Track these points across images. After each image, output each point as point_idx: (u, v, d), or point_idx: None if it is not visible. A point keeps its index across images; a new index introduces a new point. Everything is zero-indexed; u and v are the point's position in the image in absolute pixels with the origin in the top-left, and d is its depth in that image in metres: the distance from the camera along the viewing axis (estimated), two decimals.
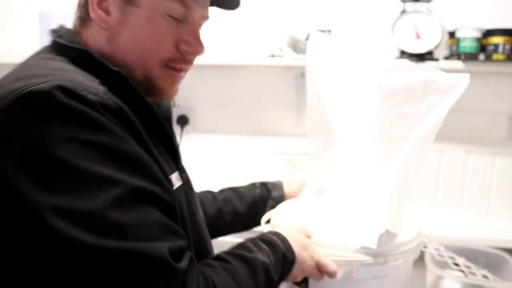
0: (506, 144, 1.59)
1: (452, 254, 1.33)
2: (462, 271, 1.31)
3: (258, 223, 1.00)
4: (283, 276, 0.74)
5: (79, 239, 0.50)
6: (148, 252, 0.52)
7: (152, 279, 0.52)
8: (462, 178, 1.63)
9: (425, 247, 1.31)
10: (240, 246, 0.72)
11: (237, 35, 1.67)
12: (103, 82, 0.61)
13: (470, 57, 1.40)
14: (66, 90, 0.54)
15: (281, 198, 1.06)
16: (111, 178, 0.53)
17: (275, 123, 1.73)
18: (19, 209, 0.51)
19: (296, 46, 1.56)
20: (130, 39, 0.66)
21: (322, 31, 1.59)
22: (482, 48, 1.47)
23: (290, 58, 1.54)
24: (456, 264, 1.32)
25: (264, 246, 0.72)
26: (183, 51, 0.70)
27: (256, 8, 1.64)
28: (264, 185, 1.08)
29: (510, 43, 1.43)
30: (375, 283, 0.83)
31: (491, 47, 1.45)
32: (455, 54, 1.49)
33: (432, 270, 1.27)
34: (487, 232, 1.57)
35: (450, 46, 1.54)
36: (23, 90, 0.53)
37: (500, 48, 1.43)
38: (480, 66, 1.44)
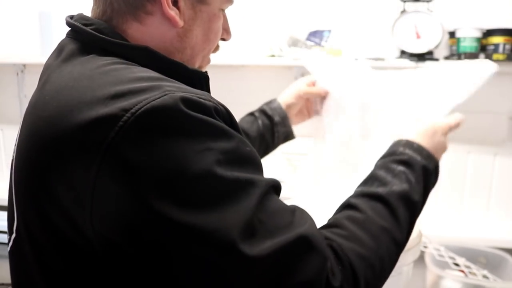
0: (506, 144, 1.59)
1: (452, 254, 1.33)
2: (462, 271, 1.31)
3: (272, 150, 1.05)
4: (428, 188, 0.71)
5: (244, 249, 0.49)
6: (304, 233, 0.53)
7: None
8: (462, 178, 1.63)
9: (425, 247, 1.32)
10: (373, 178, 0.68)
11: (237, 35, 1.66)
12: (184, 83, 0.59)
13: (470, 57, 1.40)
14: (186, 101, 0.51)
15: (284, 120, 1.06)
16: (249, 180, 0.53)
17: None
18: (168, 232, 0.48)
19: (296, 46, 1.56)
20: (200, 34, 0.68)
21: (322, 31, 1.60)
22: (482, 48, 1.47)
23: (290, 58, 1.54)
24: (456, 264, 1.32)
25: (400, 168, 0.68)
26: (221, 40, 0.74)
27: (256, 8, 1.64)
28: (263, 112, 1.05)
29: (510, 43, 1.43)
30: None
31: (491, 47, 1.45)
32: (455, 54, 1.49)
33: (432, 270, 1.27)
34: (487, 232, 1.57)
35: (450, 46, 1.54)
36: (141, 108, 0.49)
37: (500, 48, 1.43)
38: None
